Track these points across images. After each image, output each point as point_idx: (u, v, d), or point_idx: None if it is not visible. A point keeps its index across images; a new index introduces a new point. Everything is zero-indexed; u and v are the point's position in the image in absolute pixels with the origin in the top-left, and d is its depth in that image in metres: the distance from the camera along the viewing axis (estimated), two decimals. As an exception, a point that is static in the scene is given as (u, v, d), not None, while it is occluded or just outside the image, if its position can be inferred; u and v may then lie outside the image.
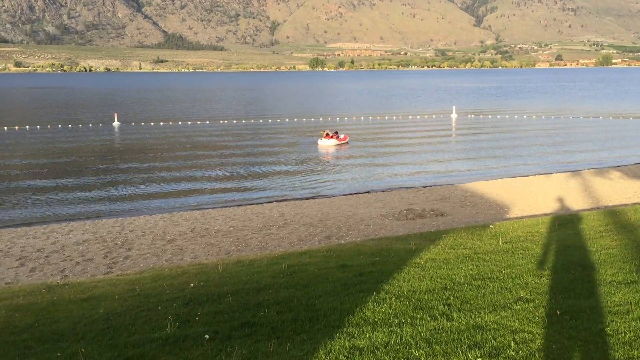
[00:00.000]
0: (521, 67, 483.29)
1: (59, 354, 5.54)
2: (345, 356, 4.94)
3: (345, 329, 5.58)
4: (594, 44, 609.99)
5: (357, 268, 8.53)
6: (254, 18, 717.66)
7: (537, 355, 4.73)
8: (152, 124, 49.64)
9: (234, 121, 51.73)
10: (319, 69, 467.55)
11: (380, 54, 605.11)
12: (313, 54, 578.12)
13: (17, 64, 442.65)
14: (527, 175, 24.68)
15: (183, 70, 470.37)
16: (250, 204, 20.23)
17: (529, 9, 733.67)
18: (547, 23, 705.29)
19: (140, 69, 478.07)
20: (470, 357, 4.76)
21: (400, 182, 24.43)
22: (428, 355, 4.86)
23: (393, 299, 6.49)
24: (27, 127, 46.91)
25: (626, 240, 9.09)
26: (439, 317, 5.80)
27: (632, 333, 5.04)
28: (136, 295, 7.85)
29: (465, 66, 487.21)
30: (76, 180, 25.00)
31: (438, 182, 23.88)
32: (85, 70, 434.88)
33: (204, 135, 41.98)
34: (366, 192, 22.04)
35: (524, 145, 34.88)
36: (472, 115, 55.90)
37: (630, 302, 5.85)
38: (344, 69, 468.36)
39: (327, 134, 35.29)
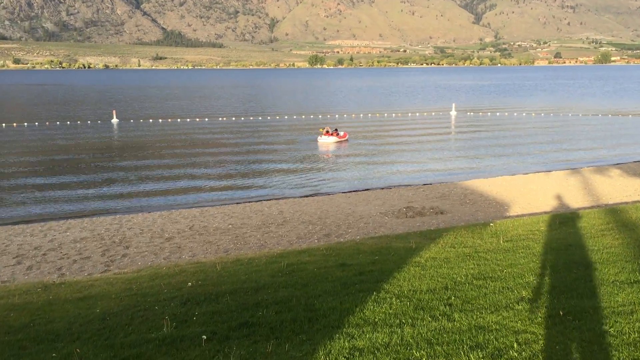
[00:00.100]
0: (520, 64, 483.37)
1: (54, 354, 5.45)
2: (345, 357, 4.86)
3: (345, 330, 5.49)
4: (592, 42, 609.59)
5: (357, 267, 8.45)
6: (253, 15, 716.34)
7: (540, 357, 4.65)
8: (150, 121, 49.51)
9: (233, 118, 51.60)
10: (318, 66, 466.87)
11: (380, 51, 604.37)
12: (312, 51, 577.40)
13: (16, 61, 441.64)
14: (527, 173, 24.60)
15: (182, 67, 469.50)
16: (249, 202, 20.14)
17: (527, 6, 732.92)
18: (546, 20, 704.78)
19: (139, 66, 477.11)
20: (472, 359, 4.68)
21: (400, 179, 24.35)
22: (429, 356, 4.78)
23: (393, 299, 6.40)
24: (26, 124, 46.75)
25: (628, 239, 9.01)
26: (440, 317, 5.72)
27: (636, 334, 4.96)
28: (133, 295, 7.76)
29: (464, 64, 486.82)
30: (74, 178, 24.89)
31: (437, 180, 23.80)
32: (84, 67, 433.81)
33: (202, 132, 41.86)
34: (365, 190, 21.96)
35: (524, 143, 34.80)
36: (472, 113, 55.80)
37: (634, 303, 5.77)
38: (343, 67, 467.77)
39: (327, 132, 35.19)
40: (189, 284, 8.15)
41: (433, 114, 55.40)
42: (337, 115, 53.53)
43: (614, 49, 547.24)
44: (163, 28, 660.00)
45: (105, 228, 15.88)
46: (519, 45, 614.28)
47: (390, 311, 5.99)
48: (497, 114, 54.52)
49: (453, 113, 53.80)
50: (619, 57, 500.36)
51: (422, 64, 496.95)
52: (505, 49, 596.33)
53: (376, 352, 4.91)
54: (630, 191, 19.05)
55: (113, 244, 14.04)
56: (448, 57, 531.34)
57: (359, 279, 7.55)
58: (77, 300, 7.84)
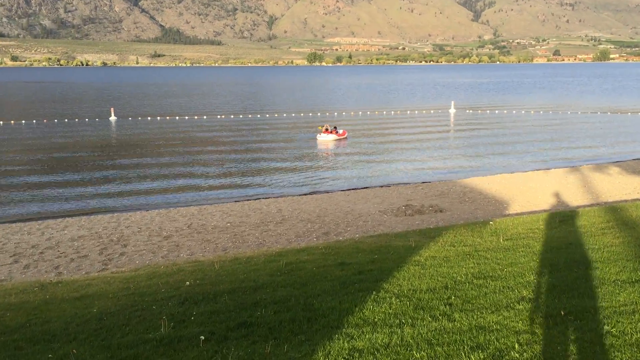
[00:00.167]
0: (519, 62, 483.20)
1: (50, 355, 5.39)
2: (344, 358, 4.80)
3: (344, 330, 5.43)
4: (591, 39, 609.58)
5: (356, 266, 8.39)
6: (251, 12, 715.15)
7: (542, 358, 4.59)
8: (149, 118, 49.40)
9: (232, 116, 51.50)
10: (317, 63, 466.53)
11: (378, 49, 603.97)
12: (311, 48, 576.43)
13: (14, 58, 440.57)
14: (526, 171, 24.57)
15: (180, 64, 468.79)
16: (248, 200, 20.08)
17: (526, 3, 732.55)
18: (545, 18, 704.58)
19: (137, 63, 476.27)
20: (473, 360, 4.63)
21: (399, 177, 24.30)
22: (430, 357, 4.73)
23: (393, 299, 6.35)
24: (23, 121, 46.62)
25: (628, 238, 8.96)
26: (440, 317, 5.66)
27: (638, 334, 4.90)
28: (130, 294, 7.70)
29: (463, 61, 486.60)
30: (72, 176, 24.80)
31: (436, 178, 23.76)
32: (82, 65, 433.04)
33: (201, 130, 41.76)
34: (364, 188, 21.90)
35: (523, 141, 34.76)
36: (471, 111, 55.76)
37: (636, 302, 5.72)
38: (342, 64, 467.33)
39: (326, 129, 35.11)
40: (187, 283, 8.09)
41: (432, 111, 55.33)
42: (335, 113, 53.45)
43: (612, 46, 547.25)
44: (161, 25, 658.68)
45: (103, 226, 15.81)
46: (517, 42, 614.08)
47: (390, 311, 5.93)
48: (496, 111, 54.46)
49: (452, 111, 53.75)
50: (617, 55, 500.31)
51: (420, 62, 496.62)
52: (504, 47, 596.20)
53: (376, 353, 4.86)
54: (630, 189, 19.02)
55: (111, 242, 13.97)
56: (447, 55, 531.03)
57: (358, 278, 7.49)
58: (74, 299, 7.78)
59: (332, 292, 6.83)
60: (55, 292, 8.48)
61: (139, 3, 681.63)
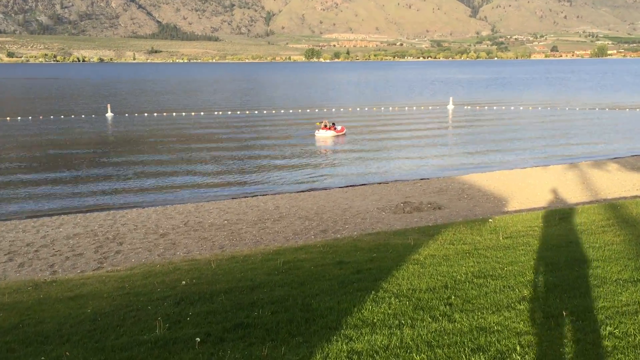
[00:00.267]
0: (517, 58, 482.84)
1: (42, 358, 5.28)
2: (343, 361, 4.70)
3: (342, 331, 5.33)
4: (589, 35, 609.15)
5: (355, 265, 8.29)
6: (248, 8, 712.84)
7: (545, 360, 4.50)
8: (145, 115, 49.18)
9: (229, 112, 51.32)
10: (315, 59, 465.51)
11: (376, 45, 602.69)
12: (308, 44, 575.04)
13: (10, 54, 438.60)
14: (524, 167, 24.50)
15: (177, 60, 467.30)
16: (245, 197, 19.97)
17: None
18: (542, 14, 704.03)
19: (134, 59, 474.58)
20: (474, 362, 4.53)
21: (397, 174, 24.21)
22: (430, 359, 4.63)
23: (392, 299, 6.24)
24: (19, 118, 46.37)
25: (629, 236, 8.88)
26: (440, 318, 5.56)
27: (642, 336, 4.82)
28: (125, 294, 7.59)
29: (461, 57, 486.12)
30: (68, 173, 24.65)
31: (434, 175, 23.66)
32: (79, 61, 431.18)
33: (198, 126, 41.59)
34: (362, 185, 21.80)
35: (521, 137, 34.69)
36: (469, 107, 55.66)
37: (638, 302, 5.63)
38: (340, 60, 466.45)
39: (325, 125, 34.99)
40: (183, 282, 7.98)
41: (430, 108, 55.23)
42: (333, 109, 53.30)
43: (610, 42, 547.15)
44: (158, 21, 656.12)
45: (98, 224, 15.68)
46: (515, 38, 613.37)
47: (389, 311, 5.83)
48: (494, 107, 54.39)
49: (450, 107, 53.64)
50: (615, 51, 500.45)
51: (418, 58, 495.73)
52: (501, 43, 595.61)
53: (375, 355, 4.76)
54: (629, 186, 18.96)
55: (106, 240, 13.85)
56: (445, 51, 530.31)
57: (357, 278, 7.39)
58: (68, 299, 7.66)
59: (331, 292, 6.72)
60: (49, 291, 8.36)
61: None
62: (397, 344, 4.96)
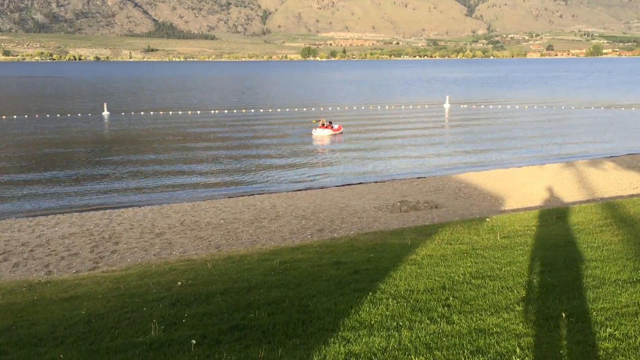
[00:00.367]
0: (512, 57, 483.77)
1: (36, 360, 5.21)
2: (340, 363, 4.64)
3: (340, 333, 5.27)
4: (584, 34, 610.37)
5: (352, 265, 8.23)
6: (245, 7, 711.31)
7: (544, 363, 4.45)
8: (142, 113, 49.00)
9: (226, 111, 51.15)
10: (311, 58, 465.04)
11: (372, 44, 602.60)
12: (305, 43, 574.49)
13: (6, 53, 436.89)
14: (521, 166, 24.49)
15: (174, 59, 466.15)
16: (242, 196, 19.88)
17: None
18: (538, 13, 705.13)
19: (131, 58, 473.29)
20: (473, 365, 4.48)
21: (393, 173, 24.17)
22: (428, 362, 4.58)
23: (390, 300, 6.19)
24: (15, 116, 46.13)
25: (628, 236, 8.84)
26: (438, 319, 5.51)
27: (642, 337, 4.78)
28: (120, 295, 7.51)
29: (457, 56, 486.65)
30: (63, 172, 24.51)
31: (431, 173, 23.63)
32: (75, 59, 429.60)
33: (195, 125, 41.45)
34: (359, 184, 21.75)
35: (517, 136, 34.70)
36: (465, 105, 55.66)
37: (638, 303, 5.59)
38: (336, 59, 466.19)
39: (322, 124, 34.92)
40: (179, 283, 7.90)
41: (426, 106, 55.21)
42: (330, 108, 53.22)
43: (605, 41, 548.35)
44: (155, 20, 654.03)
45: (94, 223, 15.58)
46: (511, 37, 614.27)
47: (387, 313, 5.78)
48: (491, 106, 54.41)
49: (446, 105, 53.64)
50: (610, 50, 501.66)
51: (415, 57, 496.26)
52: (497, 42, 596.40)
53: (373, 357, 4.71)
54: (625, 184, 18.96)
55: (102, 239, 13.76)
56: (441, 50, 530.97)
57: (354, 278, 7.33)
58: (62, 300, 7.58)
59: (328, 293, 6.66)
60: (44, 292, 8.28)
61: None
62: (395, 346, 4.91)
